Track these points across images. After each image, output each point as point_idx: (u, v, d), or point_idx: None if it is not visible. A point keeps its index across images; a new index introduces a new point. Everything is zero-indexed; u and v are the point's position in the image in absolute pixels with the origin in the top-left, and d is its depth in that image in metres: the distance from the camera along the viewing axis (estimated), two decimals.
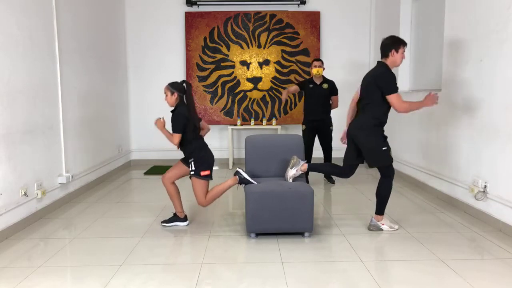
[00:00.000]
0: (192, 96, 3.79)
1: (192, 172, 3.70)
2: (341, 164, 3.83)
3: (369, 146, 3.55)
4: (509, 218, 3.59)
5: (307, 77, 6.91)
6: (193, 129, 3.71)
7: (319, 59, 5.47)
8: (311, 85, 5.50)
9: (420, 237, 3.54)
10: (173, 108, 3.74)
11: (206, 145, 3.82)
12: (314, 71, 5.39)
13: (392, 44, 3.52)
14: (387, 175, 3.63)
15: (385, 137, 3.61)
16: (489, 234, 3.61)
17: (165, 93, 3.72)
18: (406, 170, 5.75)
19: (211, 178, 3.76)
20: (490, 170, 3.86)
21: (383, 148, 3.55)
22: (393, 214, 4.11)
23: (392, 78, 3.48)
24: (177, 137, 3.63)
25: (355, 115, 3.77)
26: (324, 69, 5.47)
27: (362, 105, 3.65)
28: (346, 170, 3.75)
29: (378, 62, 3.61)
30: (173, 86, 3.70)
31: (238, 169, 3.70)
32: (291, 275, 2.83)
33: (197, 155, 3.71)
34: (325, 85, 5.46)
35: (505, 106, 3.62)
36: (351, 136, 3.67)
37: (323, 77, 5.51)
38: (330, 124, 5.55)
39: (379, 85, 3.46)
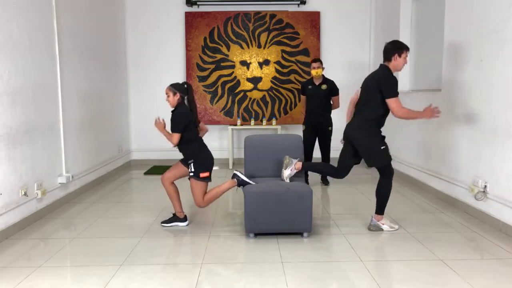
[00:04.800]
0: (194, 97, 3.81)
1: (191, 174, 3.70)
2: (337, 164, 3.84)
3: (367, 146, 3.56)
4: (509, 218, 3.59)
5: (307, 77, 6.91)
6: (193, 130, 3.72)
7: (317, 60, 5.38)
8: (310, 86, 5.45)
9: (420, 237, 3.54)
10: (173, 108, 3.75)
11: (205, 146, 3.83)
12: (313, 72, 5.32)
13: (395, 48, 3.54)
14: (387, 175, 3.64)
15: (383, 137, 3.62)
16: (489, 234, 3.61)
17: (166, 93, 3.73)
18: (406, 170, 5.74)
19: (210, 180, 3.76)
20: (490, 170, 3.86)
21: (382, 147, 3.55)
22: (393, 214, 4.11)
23: (395, 82, 3.49)
24: (176, 136, 3.63)
25: (352, 116, 3.77)
26: (323, 69, 5.38)
27: (360, 106, 3.65)
28: (341, 170, 3.76)
29: (381, 65, 3.62)
30: (175, 87, 3.71)
31: (235, 171, 3.71)
32: (291, 275, 2.83)
33: (197, 157, 3.72)
34: (324, 86, 5.37)
35: (505, 106, 3.62)
36: (348, 136, 3.68)
37: (323, 77, 5.43)
38: (330, 125, 5.48)
39: (381, 87, 3.46)
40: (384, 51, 3.59)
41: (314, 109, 5.43)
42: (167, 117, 3.77)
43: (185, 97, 3.74)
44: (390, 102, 3.44)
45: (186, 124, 3.64)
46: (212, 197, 3.75)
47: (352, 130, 3.64)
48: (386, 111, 3.55)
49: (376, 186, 3.73)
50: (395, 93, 3.44)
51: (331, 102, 5.50)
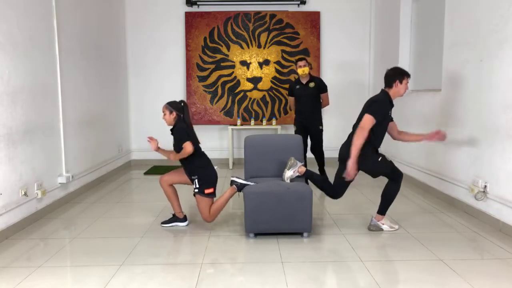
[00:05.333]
0: (190, 116, 3.79)
1: (196, 190, 3.68)
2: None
3: (365, 164, 3.57)
4: (509, 218, 3.59)
5: None
6: (195, 146, 3.69)
7: (303, 58, 5.33)
8: (297, 86, 5.40)
9: (420, 237, 3.54)
10: (171, 127, 3.74)
11: (209, 162, 3.80)
12: (299, 71, 5.28)
13: (396, 75, 3.57)
14: (395, 178, 3.64)
15: (376, 150, 3.64)
16: (489, 234, 3.62)
17: (163, 112, 3.72)
18: (406, 170, 5.74)
19: (215, 196, 3.75)
20: (490, 170, 3.86)
21: (379, 159, 3.58)
22: (393, 214, 4.10)
23: (383, 107, 3.52)
24: (189, 144, 3.58)
25: (348, 137, 3.75)
26: (310, 67, 5.35)
27: (355, 127, 3.65)
28: (338, 190, 3.79)
29: (382, 90, 3.66)
30: (172, 106, 3.71)
31: (232, 178, 3.72)
32: (291, 275, 2.83)
33: (201, 173, 3.69)
34: (311, 84, 5.32)
35: (505, 106, 3.62)
36: (343, 157, 3.67)
37: (310, 75, 5.39)
38: (320, 124, 5.42)
39: (369, 105, 3.51)
40: (385, 78, 3.62)
41: (304, 108, 5.38)
42: (165, 136, 3.72)
43: (182, 116, 3.73)
44: (365, 117, 3.46)
45: (188, 135, 3.64)
46: (217, 209, 3.73)
47: (346, 151, 3.62)
48: (381, 132, 3.58)
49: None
50: (374, 113, 3.45)
51: (321, 101, 5.44)
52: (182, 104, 3.76)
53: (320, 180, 3.94)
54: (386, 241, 3.50)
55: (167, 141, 4.01)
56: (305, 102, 5.36)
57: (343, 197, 4.69)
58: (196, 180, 3.68)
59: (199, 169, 3.71)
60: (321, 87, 5.37)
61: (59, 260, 3.13)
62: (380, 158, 3.59)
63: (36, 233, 3.75)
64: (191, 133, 3.71)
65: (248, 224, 3.51)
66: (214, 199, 3.77)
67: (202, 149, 3.82)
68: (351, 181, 3.75)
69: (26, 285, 2.73)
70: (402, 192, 5.10)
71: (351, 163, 3.44)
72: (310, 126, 5.41)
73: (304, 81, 5.37)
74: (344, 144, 3.73)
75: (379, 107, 3.52)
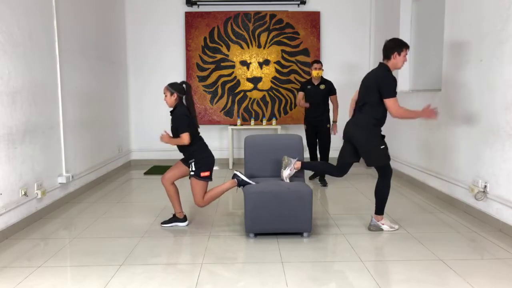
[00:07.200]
0: (192, 97, 3.80)
1: (192, 173, 3.70)
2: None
3: (367, 145, 3.55)
4: (509, 218, 3.59)
5: (307, 77, 6.91)
6: (194, 130, 3.71)
7: (319, 61, 5.60)
8: (309, 86, 5.66)
9: (420, 237, 3.54)
10: (172, 109, 3.74)
11: (206, 146, 3.83)
12: (314, 73, 5.52)
13: (394, 46, 3.52)
14: (385, 174, 3.63)
15: (383, 136, 3.62)
16: (489, 234, 3.61)
17: (164, 93, 3.73)
18: (406, 170, 5.74)
19: (211, 179, 3.76)
20: (490, 170, 3.86)
21: (381, 147, 3.55)
22: (393, 214, 4.11)
23: (393, 82, 3.48)
24: (186, 135, 3.61)
25: (353, 114, 3.77)
26: (323, 70, 5.60)
27: (360, 105, 3.64)
28: (340, 168, 3.77)
29: (380, 63, 3.61)
30: (173, 87, 3.71)
31: (235, 171, 3.71)
32: (291, 275, 2.83)
33: (198, 156, 3.71)
34: (322, 86, 5.58)
35: (505, 106, 3.62)
36: (347, 134, 3.68)
37: (322, 77, 5.63)
38: (328, 122, 5.64)
39: (379, 87, 3.46)
40: (384, 49, 3.58)
41: (314, 108, 5.64)
42: (167, 117, 3.77)
43: (183, 97, 3.74)
44: (388, 102, 3.43)
45: (189, 122, 3.64)
46: (212, 196, 3.75)
47: (351, 128, 3.64)
48: (386, 110, 3.54)
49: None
50: (393, 94, 3.43)
51: (330, 102, 5.69)
52: (184, 85, 3.76)
53: (319, 166, 3.91)
54: (386, 241, 3.50)
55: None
56: (315, 102, 5.62)
57: (343, 197, 4.68)
58: (193, 163, 3.70)
59: (196, 152, 3.72)
60: (331, 90, 5.63)
61: (59, 260, 3.13)
62: (383, 146, 3.57)
63: (36, 233, 3.75)
64: (192, 117, 3.70)
65: (248, 224, 3.51)
66: (210, 190, 3.76)
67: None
68: (355, 161, 3.72)
69: (26, 285, 2.73)
70: (402, 192, 5.11)
71: (421, 115, 3.52)
72: (319, 125, 5.65)
73: (315, 83, 5.63)
74: (349, 122, 3.72)
75: (391, 83, 3.46)
